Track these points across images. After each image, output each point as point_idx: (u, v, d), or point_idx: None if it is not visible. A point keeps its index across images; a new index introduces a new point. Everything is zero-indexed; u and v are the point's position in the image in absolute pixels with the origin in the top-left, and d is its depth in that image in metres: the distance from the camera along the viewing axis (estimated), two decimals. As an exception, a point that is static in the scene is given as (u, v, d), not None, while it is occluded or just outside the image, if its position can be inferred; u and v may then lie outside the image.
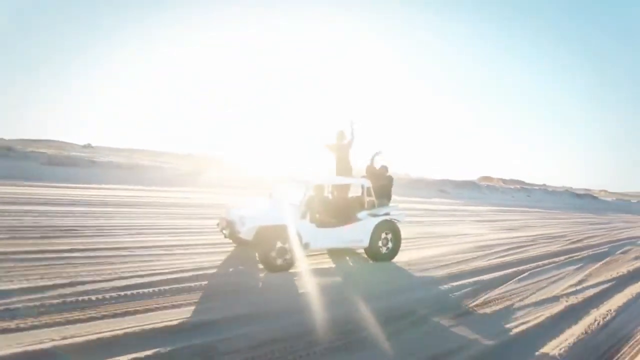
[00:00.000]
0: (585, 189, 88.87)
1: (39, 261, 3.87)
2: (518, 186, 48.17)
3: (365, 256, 5.59)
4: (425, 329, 3.18)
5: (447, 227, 10.30)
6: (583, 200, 40.89)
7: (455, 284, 4.53)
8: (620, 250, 8.57)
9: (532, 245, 8.22)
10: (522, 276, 5.20)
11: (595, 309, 4.04)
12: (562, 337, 3.23)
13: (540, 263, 6.24)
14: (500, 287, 4.57)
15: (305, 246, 4.79)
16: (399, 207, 6.13)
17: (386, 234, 5.58)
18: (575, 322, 3.59)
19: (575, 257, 7.13)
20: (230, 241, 5.37)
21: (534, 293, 4.47)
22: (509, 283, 4.81)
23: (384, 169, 6.22)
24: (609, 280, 5.40)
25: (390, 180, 6.12)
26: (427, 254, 6.30)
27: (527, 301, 4.13)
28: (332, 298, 3.77)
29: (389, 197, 6.03)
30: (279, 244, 4.54)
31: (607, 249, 8.60)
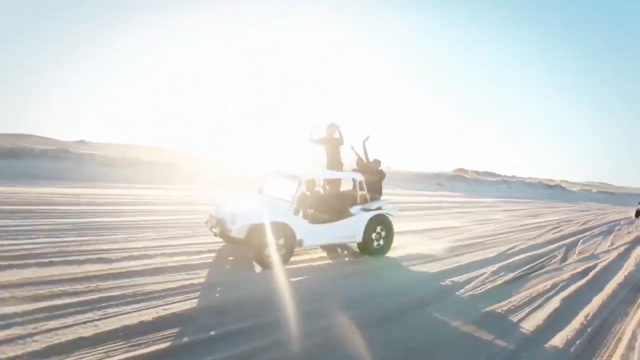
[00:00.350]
0: (549, 179, 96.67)
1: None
2: (499, 178, 53.39)
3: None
4: (571, 260, 6.78)
5: (488, 215, 14.01)
6: (555, 191, 46.54)
7: (554, 245, 8.16)
8: (616, 229, 12.74)
9: (561, 226, 12.13)
10: (580, 242, 8.98)
11: (633, 253, 7.97)
12: (628, 262, 7.06)
13: (579, 236, 10.08)
14: (577, 247, 8.28)
15: (299, 243, 4.78)
16: (391, 201, 6.32)
17: (379, 228, 5.65)
18: (628, 258, 7.44)
19: (595, 233, 11.10)
20: (221, 239, 5.18)
21: (596, 248, 8.27)
22: (578, 245, 8.55)
23: (377, 162, 6.19)
24: (626, 243, 9.34)
25: (382, 174, 6.17)
26: (505, 230, 10.00)
27: (597, 251, 7.91)
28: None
29: (380, 192, 6.09)
30: (272, 242, 4.49)
31: (607, 228, 12.72)
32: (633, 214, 18.46)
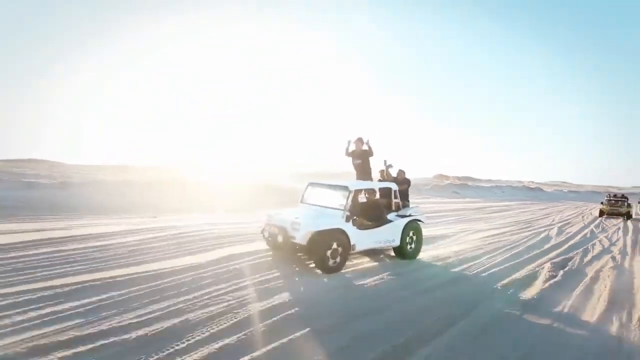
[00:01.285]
0: (518, 181, 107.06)
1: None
2: (492, 184, 61.69)
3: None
4: (616, 225, 15.98)
5: (540, 212, 22.95)
6: (536, 193, 53.07)
7: (598, 220, 17.42)
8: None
9: (586, 214, 21.40)
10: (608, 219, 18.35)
11: None
12: None
13: (602, 217, 19.44)
14: (609, 221, 17.60)
15: (353, 247, 5.40)
16: (420, 208, 6.96)
17: (411, 233, 6.25)
18: None
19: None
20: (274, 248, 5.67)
21: (626, 223, 17.66)
22: (610, 220, 17.88)
23: (402, 172, 6.90)
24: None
25: (408, 182, 6.91)
26: (566, 217, 19.20)
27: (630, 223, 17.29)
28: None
29: (408, 199, 6.82)
30: (333, 247, 5.06)
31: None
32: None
